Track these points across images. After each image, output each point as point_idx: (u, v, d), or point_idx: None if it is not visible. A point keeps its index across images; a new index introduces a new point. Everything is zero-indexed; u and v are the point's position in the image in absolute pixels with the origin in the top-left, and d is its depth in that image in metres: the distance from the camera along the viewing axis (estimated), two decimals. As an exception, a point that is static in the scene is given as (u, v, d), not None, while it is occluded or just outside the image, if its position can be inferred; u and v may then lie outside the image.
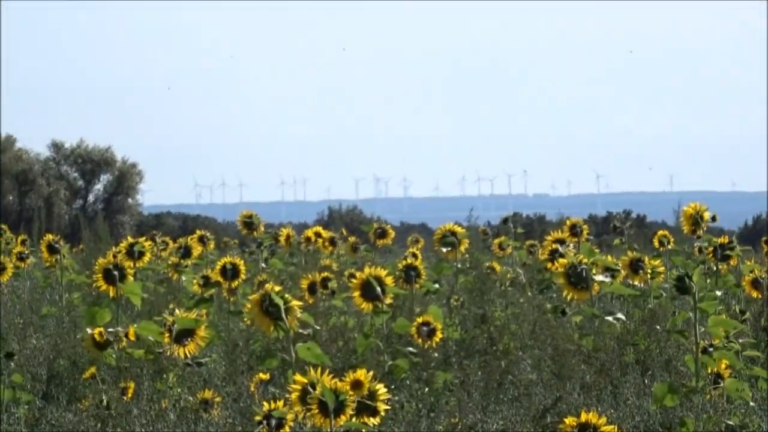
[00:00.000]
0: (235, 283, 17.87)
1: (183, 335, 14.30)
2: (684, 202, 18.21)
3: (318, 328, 15.35)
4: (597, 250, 18.04)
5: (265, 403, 11.51)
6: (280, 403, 11.39)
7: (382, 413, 11.14)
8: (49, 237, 23.90)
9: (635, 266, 17.22)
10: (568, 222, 19.13)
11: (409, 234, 27.27)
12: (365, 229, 23.95)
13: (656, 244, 19.26)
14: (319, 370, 11.10)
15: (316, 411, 11.11)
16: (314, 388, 11.12)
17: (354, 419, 11.08)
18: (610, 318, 15.99)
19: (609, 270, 16.47)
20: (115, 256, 16.13)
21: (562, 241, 18.32)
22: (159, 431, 13.52)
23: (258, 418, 11.47)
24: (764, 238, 23.22)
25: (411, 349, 15.07)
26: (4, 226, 29.95)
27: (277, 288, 13.88)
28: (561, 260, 15.81)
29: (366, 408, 11.07)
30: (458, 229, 18.33)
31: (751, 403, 13.30)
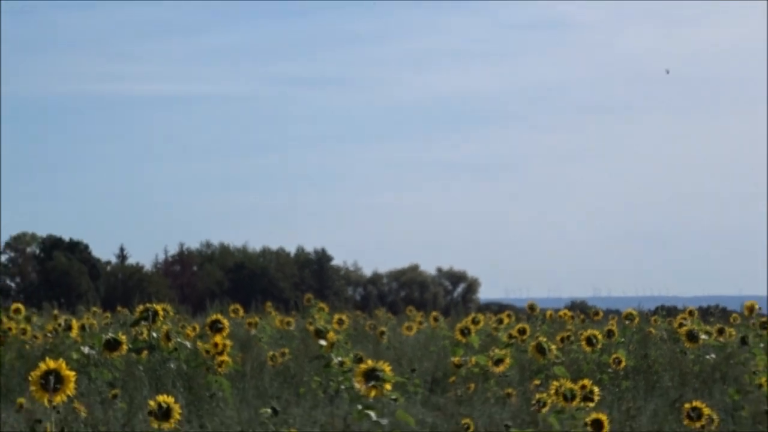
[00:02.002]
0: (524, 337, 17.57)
1: (498, 362, 13.47)
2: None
3: (559, 359, 14.98)
4: (701, 323, 17.75)
5: (537, 395, 10.56)
6: (543, 395, 10.25)
7: (596, 398, 9.96)
8: (434, 313, 24.27)
9: (720, 331, 16.66)
10: (686, 310, 18.84)
11: (610, 315, 26.58)
12: (589, 312, 23.71)
13: (731, 320, 18.80)
14: (566, 381, 10.49)
15: (559, 398, 9.83)
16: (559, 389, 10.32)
17: (581, 403, 9.84)
18: (708, 356, 15.69)
19: (707, 333, 16.17)
20: (465, 323, 16.02)
21: (685, 318, 18.06)
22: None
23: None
24: None
25: (610, 369, 14.60)
26: (413, 308, 30.04)
27: (543, 338, 13.32)
28: (684, 328, 15.53)
29: (588, 398, 9.88)
30: (634, 312, 18.06)
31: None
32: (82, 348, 13.28)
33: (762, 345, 14.73)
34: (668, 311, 19.67)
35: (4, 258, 69.16)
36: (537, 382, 13.39)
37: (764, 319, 17.01)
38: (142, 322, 13.12)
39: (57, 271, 66.62)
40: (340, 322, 19.22)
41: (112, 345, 11.39)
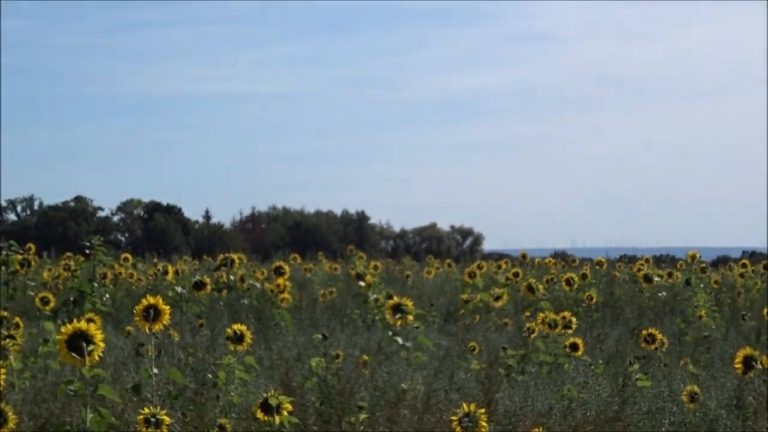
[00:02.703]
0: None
1: (497, 299, 12.78)
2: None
3: (545, 296, 14.68)
4: (655, 268, 17.59)
5: (527, 324, 10.17)
6: (533, 324, 9.87)
7: (573, 326, 9.57)
8: (448, 261, 23.92)
9: (669, 275, 16.41)
10: (644, 258, 18.65)
11: (584, 262, 25.98)
12: (568, 259, 23.28)
13: (678, 266, 18.58)
14: (550, 313, 10.31)
15: (545, 326, 9.50)
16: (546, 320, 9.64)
17: (562, 330, 9.50)
18: (660, 294, 15.56)
19: (659, 276, 16.03)
20: (472, 269, 15.80)
21: (642, 265, 17.88)
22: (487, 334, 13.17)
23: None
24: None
25: (584, 304, 14.48)
26: (432, 256, 29.47)
27: (533, 280, 12.93)
28: (641, 272, 15.39)
29: (567, 326, 9.51)
30: (603, 260, 17.93)
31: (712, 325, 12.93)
32: (175, 288, 13.31)
33: (702, 285, 14.63)
34: (629, 259, 19.54)
35: (116, 218, 69.52)
36: (527, 314, 13.29)
37: (704, 265, 16.90)
38: (222, 268, 13.18)
39: (157, 229, 66.84)
40: (375, 267, 19.19)
41: (199, 285, 11.43)
